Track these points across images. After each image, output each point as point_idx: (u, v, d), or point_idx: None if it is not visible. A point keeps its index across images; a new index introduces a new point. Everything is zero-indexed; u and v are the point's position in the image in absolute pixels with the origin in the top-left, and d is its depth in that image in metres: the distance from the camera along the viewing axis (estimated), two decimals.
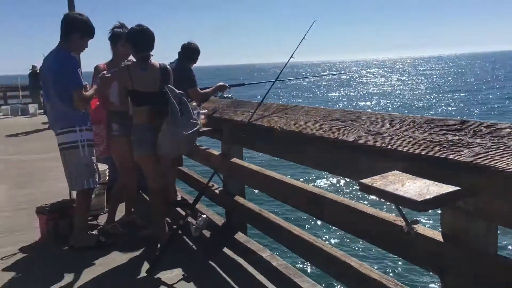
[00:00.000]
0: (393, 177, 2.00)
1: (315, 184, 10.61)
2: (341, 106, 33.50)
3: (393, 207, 1.99)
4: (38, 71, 15.27)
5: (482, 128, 2.01)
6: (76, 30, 3.67)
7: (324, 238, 7.31)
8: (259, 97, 4.92)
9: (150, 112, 3.67)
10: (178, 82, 3.93)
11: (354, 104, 34.97)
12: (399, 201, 1.84)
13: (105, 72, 3.88)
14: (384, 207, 7.19)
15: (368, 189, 1.97)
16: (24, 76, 18.36)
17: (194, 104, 4.12)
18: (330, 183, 11.09)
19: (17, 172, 7.14)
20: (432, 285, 5.90)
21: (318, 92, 49.86)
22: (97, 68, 4.12)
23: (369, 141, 2.37)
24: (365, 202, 8.44)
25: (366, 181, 1.98)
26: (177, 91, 3.66)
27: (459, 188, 1.81)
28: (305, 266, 5.66)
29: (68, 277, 3.36)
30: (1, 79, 23.71)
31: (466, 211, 1.90)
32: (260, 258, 3.54)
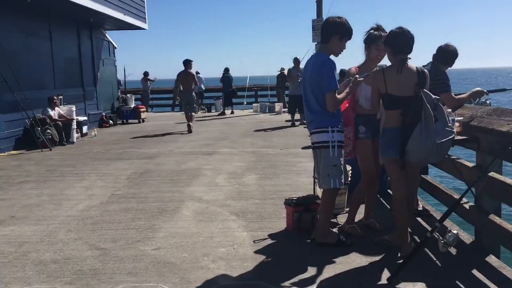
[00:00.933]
0: None
1: None
2: None
3: None
4: (286, 73, 16.66)
5: None
6: (335, 32, 3.81)
7: None
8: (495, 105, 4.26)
9: (402, 117, 3.57)
10: (430, 86, 3.73)
11: None
12: None
13: (357, 76, 3.92)
14: None
15: None
16: (273, 77, 20.21)
17: (449, 110, 3.84)
18: None
19: (265, 164, 7.91)
20: None
21: None
22: (349, 71, 4.20)
23: None
24: None
25: None
26: (433, 96, 3.46)
27: None
28: None
29: (311, 270, 3.51)
30: (255, 80, 26.68)
31: None
32: None
